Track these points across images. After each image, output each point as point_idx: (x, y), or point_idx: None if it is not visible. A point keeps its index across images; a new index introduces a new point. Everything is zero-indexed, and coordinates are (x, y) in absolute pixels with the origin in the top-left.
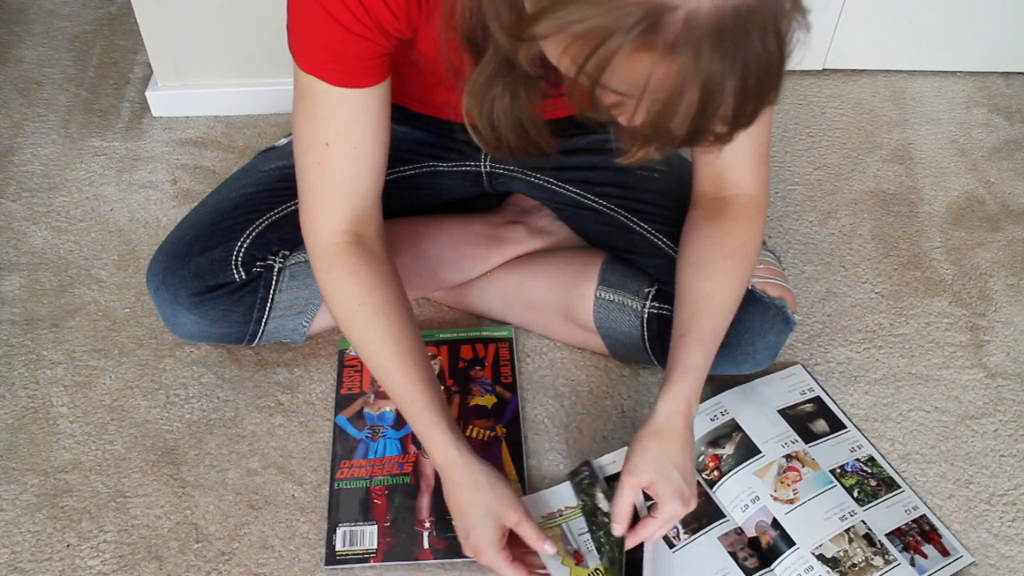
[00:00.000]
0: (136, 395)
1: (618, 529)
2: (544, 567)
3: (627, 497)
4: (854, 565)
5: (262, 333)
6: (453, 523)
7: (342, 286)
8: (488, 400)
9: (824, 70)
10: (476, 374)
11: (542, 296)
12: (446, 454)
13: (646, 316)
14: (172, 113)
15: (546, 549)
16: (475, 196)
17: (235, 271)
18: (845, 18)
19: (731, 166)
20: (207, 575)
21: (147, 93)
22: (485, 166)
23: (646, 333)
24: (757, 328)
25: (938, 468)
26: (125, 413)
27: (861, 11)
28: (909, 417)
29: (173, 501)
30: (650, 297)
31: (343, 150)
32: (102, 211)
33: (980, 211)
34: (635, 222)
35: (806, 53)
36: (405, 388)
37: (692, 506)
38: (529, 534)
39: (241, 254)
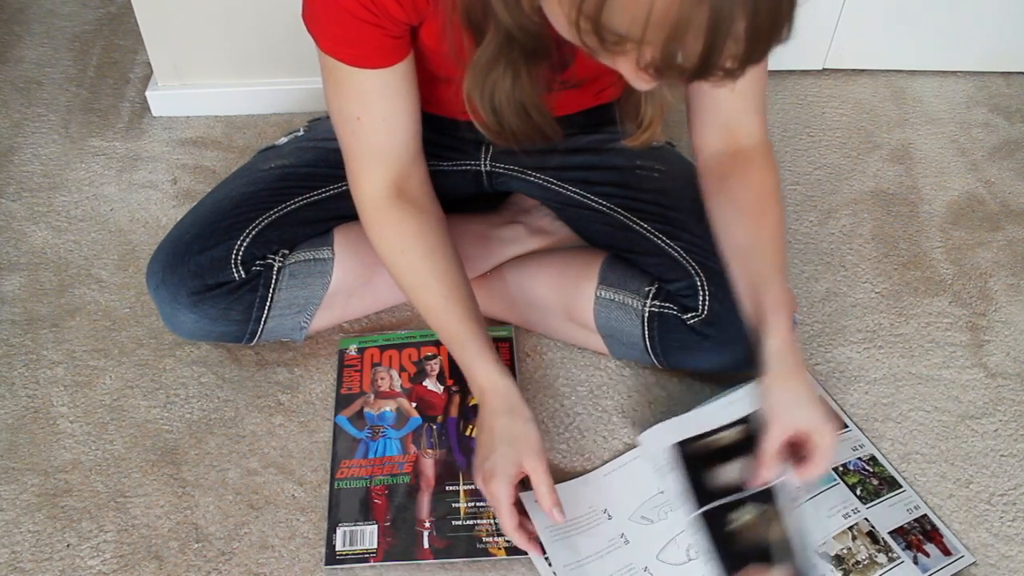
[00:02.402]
0: (136, 395)
1: (763, 475)
2: (537, 537)
3: (775, 447)
4: (858, 563)
5: (261, 332)
6: (475, 451)
7: (386, 237)
8: None
9: (824, 70)
10: None
11: (542, 295)
12: (488, 379)
13: (646, 315)
14: (172, 113)
15: (555, 514)
16: (475, 196)
17: (235, 270)
18: (845, 18)
19: (739, 117)
20: (207, 575)
21: (147, 93)
22: (485, 165)
23: (646, 332)
24: None
25: (938, 468)
26: (125, 413)
27: (861, 11)
28: (909, 417)
29: (173, 501)
30: (650, 296)
31: (374, 123)
32: (102, 211)
33: (980, 211)
34: (635, 221)
35: (806, 53)
36: (451, 325)
37: (836, 425)
38: (542, 486)
39: (241, 253)
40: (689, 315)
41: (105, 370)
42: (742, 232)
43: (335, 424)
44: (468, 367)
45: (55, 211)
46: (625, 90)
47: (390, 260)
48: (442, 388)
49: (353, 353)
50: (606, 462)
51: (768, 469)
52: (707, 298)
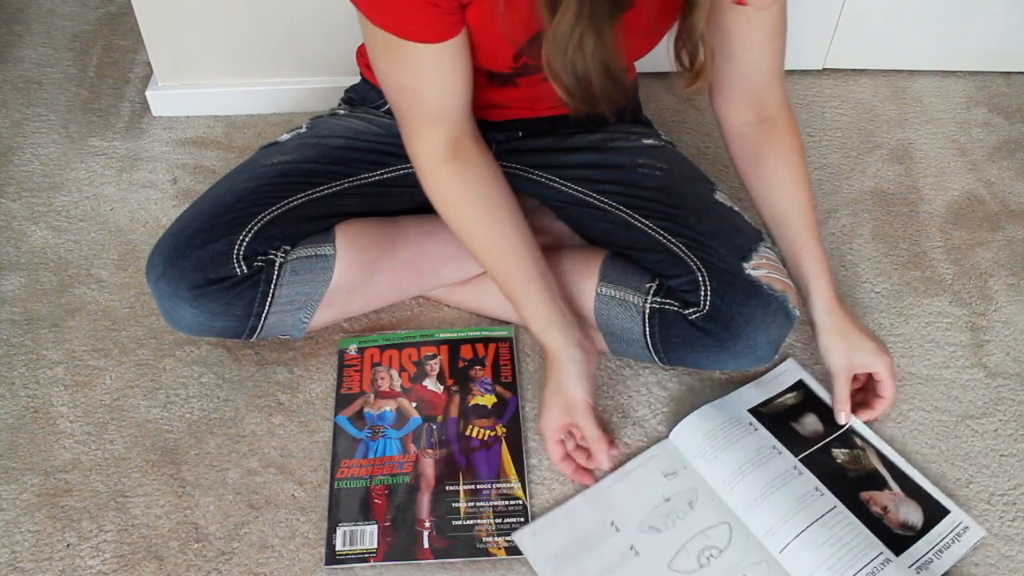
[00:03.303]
0: (136, 395)
1: (843, 416)
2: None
3: (846, 390)
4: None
5: (261, 328)
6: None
7: (449, 199)
8: (488, 400)
9: (824, 70)
10: (476, 374)
11: None
12: (555, 344)
13: (647, 311)
14: (172, 113)
15: (601, 459)
16: None
17: (236, 265)
18: (845, 18)
19: (766, 88)
20: (207, 575)
21: (147, 93)
22: None
23: (647, 328)
24: (759, 322)
25: (938, 468)
26: (125, 413)
27: (861, 11)
28: (909, 417)
29: (173, 501)
30: (651, 292)
31: (431, 92)
32: (102, 211)
33: (980, 211)
34: (636, 218)
35: (806, 53)
36: (518, 281)
37: (889, 358)
38: (593, 440)
39: (243, 248)
40: (690, 311)
41: (105, 370)
42: (777, 200)
43: (335, 424)
44: (536, 327)
45: (55, 211)
46: (680, 37)
47: (456, 223)
48: (442, 388)
49: (353, 353)
50: (607, 474)
51: (847, 412)
52: (708, 293)
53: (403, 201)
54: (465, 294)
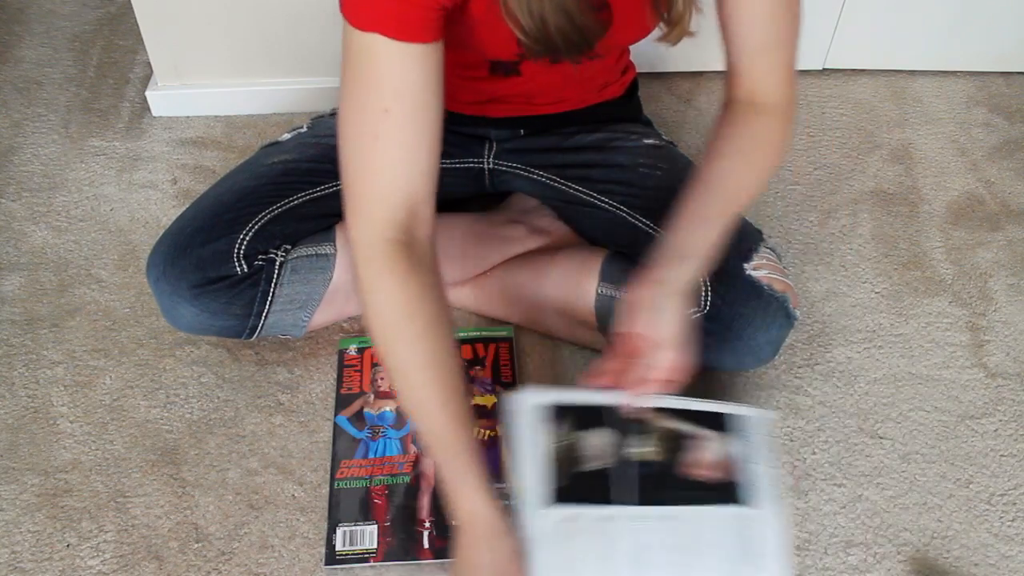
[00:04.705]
0: (136, 395)
1: (641, 399)
2: None
3: (667, 363)
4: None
5: (262, 327)
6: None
7: (389, 297)
8: (488, 400)
9: (824, 70)
10: (476, 374)
11: (543, 293)
12: (475, 503)
13: None
14: (172, 113)
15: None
16: (476, 196)
17: (237, 264)
18: (845, 18)
19: (765, 77)
20: (207, 575)
21: (147, 93)
22: (489, 163)
23: None
24: (759, 322)
25: (938, 468)
26: (125, 413)
27: (861, 11)
28: (909, 417)
29: (173, 501)
30: None
31: (404, 116)
32: (102, 211)
33: (980, 211)
34: (637, 218)
35: (806, 53)
36: (444, 427)
37: (681, 355)
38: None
39: (243, 247)
40: (692, 311)
41: (105, 370)
42: (725, 165)
43: (335, 424)
44: (452, 483)
45: (55, 211)
46: None
47: (384, 326)
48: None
49: (353, 353)
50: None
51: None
52: (709, 294)
53: None
54: (465, 294)
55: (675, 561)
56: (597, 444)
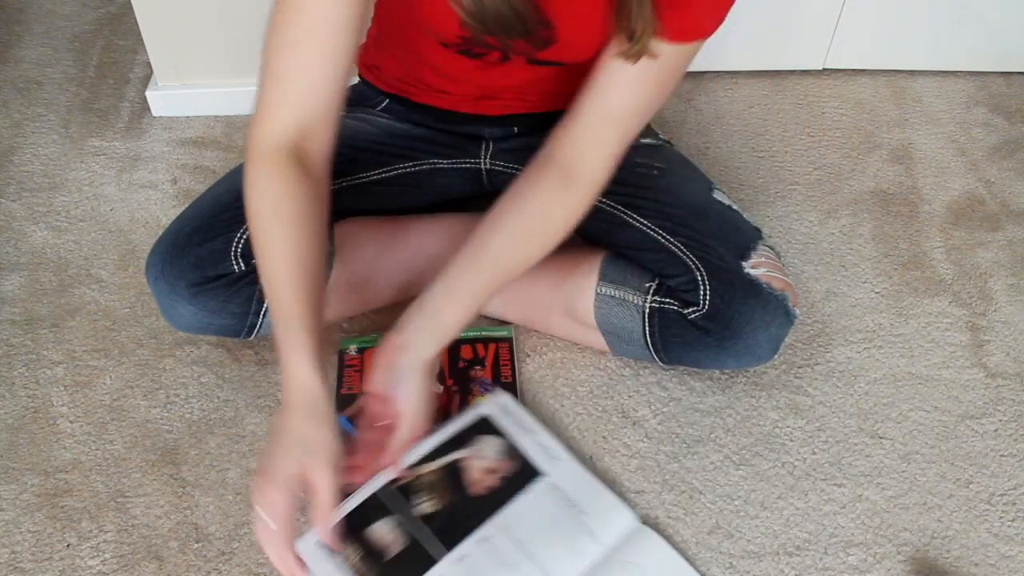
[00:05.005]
0: (136, 395)
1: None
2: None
3: (409, 439)
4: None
5: (260, 325)
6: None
7: (260, 188)
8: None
9: (824, 70)
10: (476, 374)
11: (542, 292)
12: (299, 373)
13: (647, 311)
14: (172, 113)
15: (329, 538)
16: (475, 196)
17: (234, 262)
18: (845, 18)
19: (597, 146)
20: (207, 575)
21: (147, 93)
22: (486, 163)
23: (647, 328)
24: (758, 321)
25: (938, 468)
26: (125, 413)
27: (861, 11)
28: (909, 417)
29: (173, 501)
30: (651, 291)
31: (309, 52)
32: (102, 211)
33: (980, 211)
34: (635, 218)
35: (806, 52)
36: (286, 301)
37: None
38: (323, 498)
39: (241, 245)
40: (690, 310)
41: (105, 370)
42: (500, 240)
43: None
44: (284, 352)
45: (55, 211)
46: (617, 6)
47: (255, 211)
48: (442, 388)
49: (353, 353)
50: None
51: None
52: (708, 293)
53: (401, 201)
54: None
55: (515, 564)
56: (385, 530)
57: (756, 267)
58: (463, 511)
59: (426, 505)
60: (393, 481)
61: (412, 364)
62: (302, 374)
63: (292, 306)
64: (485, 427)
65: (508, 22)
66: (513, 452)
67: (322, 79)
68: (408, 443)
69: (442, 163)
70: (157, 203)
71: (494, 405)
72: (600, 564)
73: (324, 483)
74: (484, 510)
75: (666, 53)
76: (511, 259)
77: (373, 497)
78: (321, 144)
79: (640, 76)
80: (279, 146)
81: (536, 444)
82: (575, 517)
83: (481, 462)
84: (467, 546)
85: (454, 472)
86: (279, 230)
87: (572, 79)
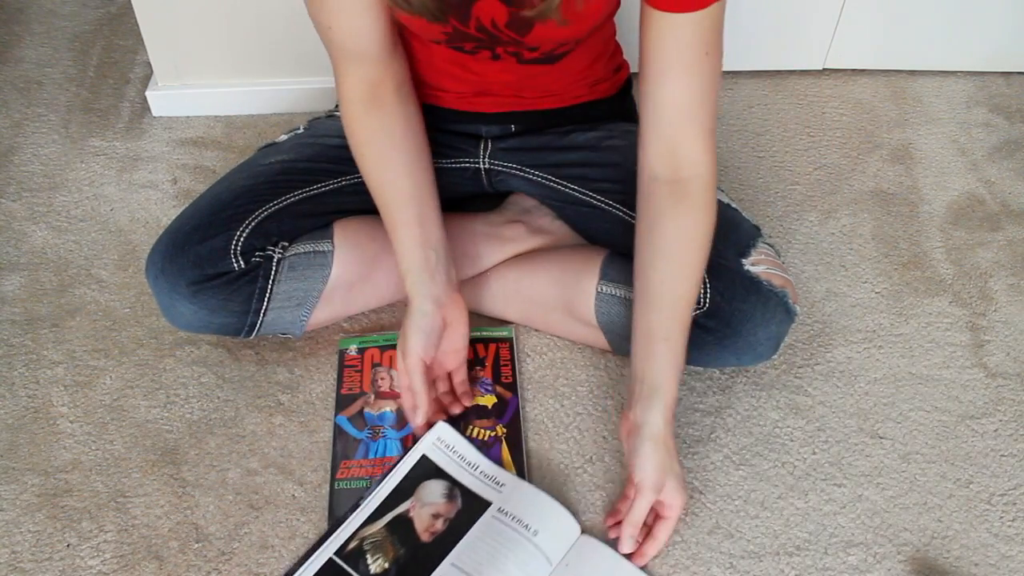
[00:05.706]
0: (136, 395)
1: (629, 545)
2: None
3: (644, 508)
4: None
5: (260, 324)
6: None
7: (355, 135)
8: (488, 400)
9: (824, 70)
10: (476, 374)
11: (543, 292)
12: (412, 291)
13: None
14: (172, 113)
15: (411, 415)
16: (474, 196)
17: (234, 260)
18: (845, 18)
19: (682, 139)
20: (207, 575)
21: (147, 93)
22: (484, 163)
23: None
24: (759, 318)
25: (938, 468)
26: (125, 413)
27: (861, 11)
28: (909, 417)
29: (173, 501)
30: None
31: (342, 32)
32: (102, 211)
33: (980, 211)
34: (634, 218)
35: (806, 52)
36: (395, 228)
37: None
38: (409, 381)
39: (240, 243)
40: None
41: (105, 370)
42: (657, 277)
43: (335, 424)
44: (401, 276)
45: (55, 211)
46: None
47: (359, 159)
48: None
49: (353, 353)
50: None
51: (631, 540)
52: (708, 290)
53: None
54: (465, 293)
55: None
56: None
57: (756, 264)
58: (418, 558)
59: (379, 564)
60: (340, 550)
61: (646, 437)
62: (411, 280)
63: (401, 230)
64: (426, 468)
65: (426, 4)
66: (457, 491)
67: (370, 30)
68: (644, 513)
69: (442, 163)
70: (157, 203)
71: (432, 438)
72: None
73: (409, 378)
74: (439, 551)
75: (681, 25)
76: (681, 289)
77: (320, 571)
78: (394, 80)
79: (679, 57)
80: (356, 100)
81: (478, 476)
82: (529, 539)
83: (427, 509)
84: None
85: (403, 524)
86: (378, 164)
87: (567, 74)
